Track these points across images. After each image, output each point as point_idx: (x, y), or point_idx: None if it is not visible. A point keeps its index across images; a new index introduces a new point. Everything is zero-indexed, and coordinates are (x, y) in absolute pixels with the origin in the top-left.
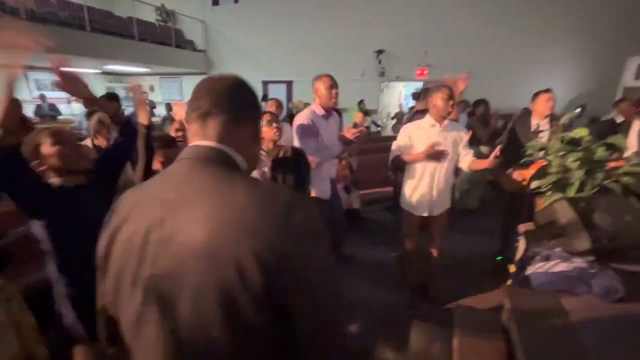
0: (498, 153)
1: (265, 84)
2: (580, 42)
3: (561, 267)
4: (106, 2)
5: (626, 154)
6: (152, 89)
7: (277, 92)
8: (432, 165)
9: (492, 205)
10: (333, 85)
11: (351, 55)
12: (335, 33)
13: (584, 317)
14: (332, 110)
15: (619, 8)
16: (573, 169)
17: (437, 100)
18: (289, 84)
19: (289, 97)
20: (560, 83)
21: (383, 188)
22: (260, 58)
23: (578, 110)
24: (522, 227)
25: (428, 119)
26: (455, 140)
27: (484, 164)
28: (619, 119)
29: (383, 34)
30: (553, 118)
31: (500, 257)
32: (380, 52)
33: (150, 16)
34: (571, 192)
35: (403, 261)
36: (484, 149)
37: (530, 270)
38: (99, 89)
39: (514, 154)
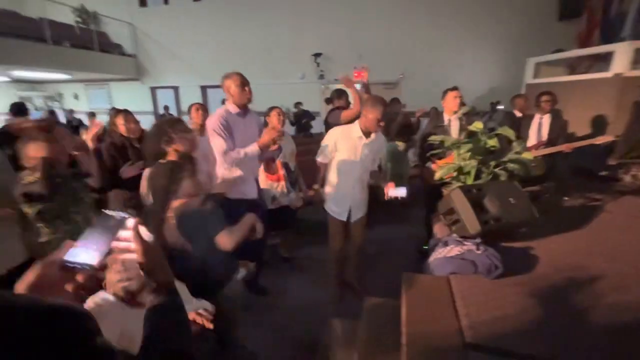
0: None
1: (204, 89)
2: (492, 46)
3: (455, 251)
4: (14, 2)
5: (529, 144)
6: (76, 97)
7: (216, 97)
8: (350, 175)
9: (420, 197)
10: (244, 82)
11: (290, 58)
12: (273, 36)
13: (468, 292)
14: (248, 109)
15: (521, 15)
16: (467, 160)
17: (370, 115)
18: None
19: None
20: (477, 82)
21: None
22: (196, 62)
23: (471, 106)
24: (435, 223)
25: (357, 130)
26: (376, 153)
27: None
28: (518, 113)
29: (320, 37)
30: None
31: (426, 246)
32: (317, 54)
33: (69, 18)
34: (469, 181)
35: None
36: (400, 144)
37: (432, 256)
38: (10, 98)
39: (430, 147)
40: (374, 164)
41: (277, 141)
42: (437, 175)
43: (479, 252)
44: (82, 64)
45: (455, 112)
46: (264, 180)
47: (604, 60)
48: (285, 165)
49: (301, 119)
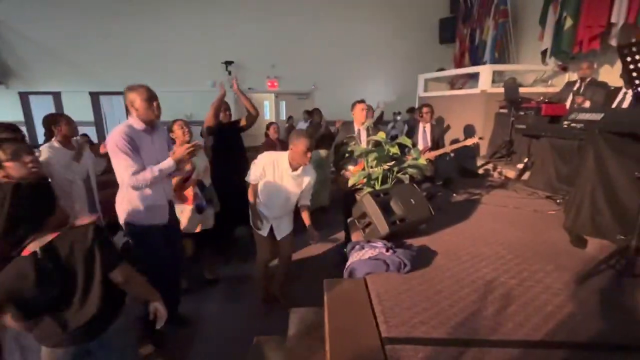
0: None
1: (95, 96)
2: (390, 62)
3: (369, 253)
4: None
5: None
6: None
7: (110, 105)
8: (274, 200)
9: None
10: (152, 96)
11: (199, 64)
12: (179, 39)
13: (383, 289)
14: (156, 125)
15: (411, 37)
16: (374, 167)
17: (296, 148)
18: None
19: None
20: (381, 94)
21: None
22: (85, 65)
23: (377, 117)
24: (351, 226)
25: (285, 161)
26: (302, 184)
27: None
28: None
29: (231, 44)
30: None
31: (345, 248)
32: (229, 62)
33: None
34: (378, 186)
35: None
36: (322, 152)
37: (349, 260)
38: None
39: (342, 156)
40: (301, 196)
41: (194, 154)
42: (350, 182)
43: (388, 253)
44: None
45: (364, 123)
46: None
47: (475, 78)
48: (199, 183)
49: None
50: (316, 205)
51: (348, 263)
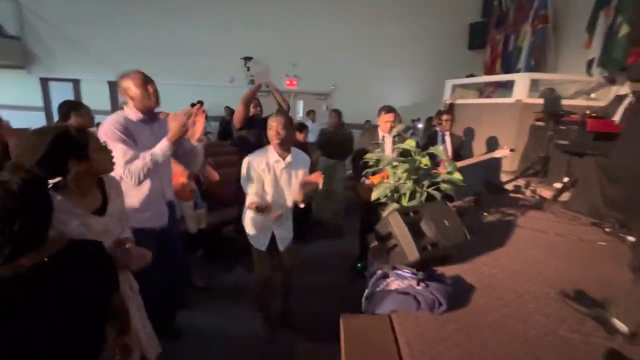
0: (318, 177)
1: (113, 85)
2: (415, 66)
3: (395, 284)
4: None
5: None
6: None
7: None
8: (276, 199)
9: (356, 210)
10: (147, 80)
11: (218, 60)
12: (200, 34)
13: (413, 334)
14: (156, 114)
15: (439, 42)
16: (403, 179)
17: (267, 129)
18: None
19: None
20: (402, 99)
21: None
22: (105, 54)
23: (405, 126)
24: (371, 245)
25: (272, 153)
26: (297, 173)
27: (298, 196)
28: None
29: (251, 40)
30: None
31: (360, 265)
32: (248, 58)
33: None
34: (405, 201)
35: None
36: (331, 160)
37: (371, 289)
38: None
39: (364, 163)
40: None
41: (190, 124)
42: (374, 196)
43: (419, 287)
44: None
45: (391, 130)
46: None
47: (505, 86)
48: (196, 178)
49: (228, 125)
50: (331, 221)
51: (369, 290)
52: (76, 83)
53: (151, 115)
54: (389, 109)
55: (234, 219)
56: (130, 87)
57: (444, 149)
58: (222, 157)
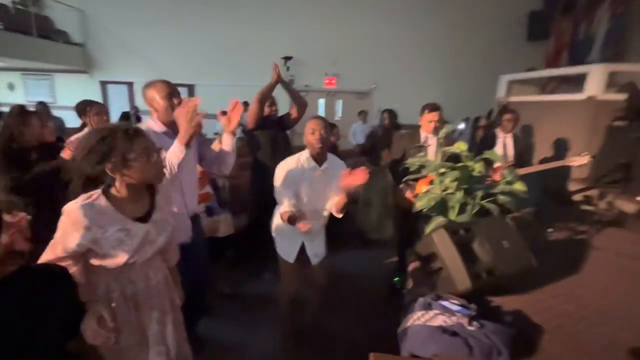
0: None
1: None
2: (465, 62)
3: (440, 320)
4: None
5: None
6: (10, 87)
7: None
8: (311, 208)
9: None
10: (173, 92)
11: (259, 60)
12: (242, 35)
13: None
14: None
15: (493, 34)
16: (452, 189)
17: (306, 129)
18: (191, 87)
19: None
20: (449, 97)
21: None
22: (156, 58)
23: (461, 125)
24: (410, 262)
25: (307, 159)
26: (333, 178)
27: (340, 200)
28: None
29: (291, 40)
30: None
31: (398, 279)
32: (288, 58)
33: None
34: (452, 215)
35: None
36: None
37: (410, 320)
38: None
39: (405, 169)
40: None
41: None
42: (418, 206)
43: (472, 327)
44: (16, 49)
45: (436, 131)
46: None
47: (572, 82)
48: (213, 182)
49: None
50: (376, 237)
51: (407, 322)
52: (130, 86)
53: (175, 129)
54: (433, 107)
55: (256, 225)
56: (156, 98)
57: (504, 153)
58: (248, 159)
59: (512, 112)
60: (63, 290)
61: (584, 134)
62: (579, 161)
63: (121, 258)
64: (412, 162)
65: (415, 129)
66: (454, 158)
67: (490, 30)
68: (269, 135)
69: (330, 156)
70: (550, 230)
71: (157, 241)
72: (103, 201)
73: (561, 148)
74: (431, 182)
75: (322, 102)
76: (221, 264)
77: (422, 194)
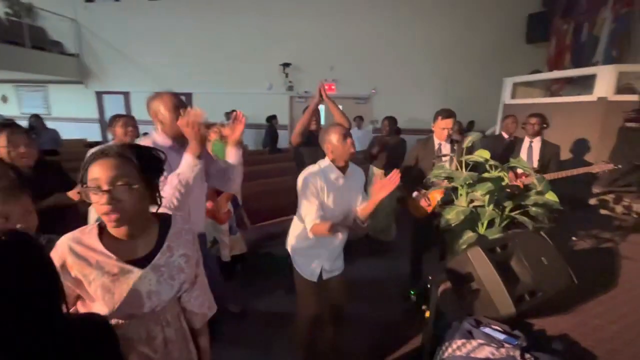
0: (395, 176)
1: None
2: (466, 65)
3: (487, 352)
4: None
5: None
6: (3, 99)
7: None
8: (338, 221)
9: (406, 226)
10: (180, 104)
11: (256, 67)
12: (237, 42)
13: None
14: (186, 141)
15: (492, 36)
16: (484, 203)
17: (336, 137)
18: (188, 96)
19: None
20: (451, 101)
21: (281, 217)
22: (152, 66)
23: (479, 133)
24: (436, 279)
25: (332, 168)
26: (358, 183)
27: (370, 206)
28: (505, 135)
29: (289, 46)
30: (454, 141)
31: (413, 292)
32: (286, 65)
33: None
34: (482, 229)
35: (298, 330)
36: (377, 170)
37: (449, 349)
38: None
39: (417, 176)
40: (356, 203)
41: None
42: (444, 223)
43: None
44: (9, 61)
45: (451, 138)
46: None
47: (576, 83)
48: (233, 200)
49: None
50: (381, 238)
51: (446, 354)
52: (126, 95)
53: (182, 143)
54: (447, 114)
55: (275, 235)
56: (161, 110)
57: (529, 158)
58: (257, 167)
59: (539, 115)
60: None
61: (595, 136)
62: (600, 168)
63: (103, 310)
64: (438, 173)
65: (429, 135)
66: (475, 167)
67: (489, 33)
68: (312, 151)
69: (350, 164)
70: (574, 238)
71: (159, 292)
72: (93, 236)
73: (569, 150)
74: (445, 191)
75: (322, 108)
76: (229, 281)
77: (449, 208)
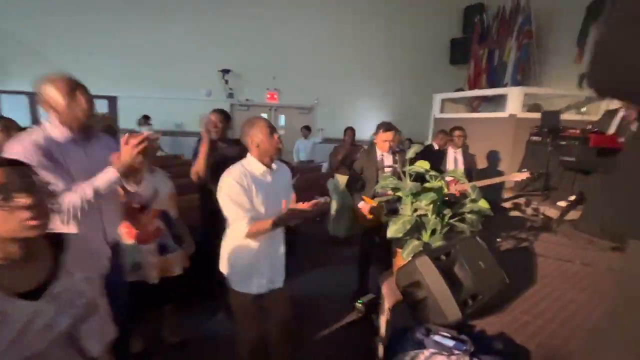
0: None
1: None
2: (400, 82)
3: None
4: None
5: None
6: None
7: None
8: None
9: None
10: (75, 85)
11: (193, 72)
12: (170, 45)
13: None
14: (92, 130)
15: (420, 56)
16: (424, 211)
17: (261, 130)
18: (112, 100)
19: (114, 116)
20: (387, 113)
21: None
22: (70, 66)
23: (420, 144)
24: (384, 287)
25: (256, 164)
26: (287, 184)
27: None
28: (436, 147)
29: (228, 52)
30: (395, 152)
31: (361, 302)
32: (226, 71)
33: None
34: (426, 237)
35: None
36: (341, 177)
37: None
38: None
39: (362, 185)
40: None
41: (143, 155)
42: (391, 232)
43: None
44: None
45: (394, 149)
46: (124, 236)
47: (492, 101)
48: (163, 215)
49: None
50: (335, 234)
51: None
52: (30, 96)
53: (84, 133)
54: (387, 127)
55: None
56: (52, 95)
57: (455, 167)
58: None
59: (461, 129)
60: None
61: (508, 147)
62: (519, 177)
63: None
64: (385, 184)
65: (372, 146)
66: (418, 177)
67: (420, 52)
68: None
69: (275, 160)
70: (498, 240)
71: (56, 324)
72: None
73: (489, 159)
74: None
75: (264, 117)
76: (163, 307)
77: (395, 218)
